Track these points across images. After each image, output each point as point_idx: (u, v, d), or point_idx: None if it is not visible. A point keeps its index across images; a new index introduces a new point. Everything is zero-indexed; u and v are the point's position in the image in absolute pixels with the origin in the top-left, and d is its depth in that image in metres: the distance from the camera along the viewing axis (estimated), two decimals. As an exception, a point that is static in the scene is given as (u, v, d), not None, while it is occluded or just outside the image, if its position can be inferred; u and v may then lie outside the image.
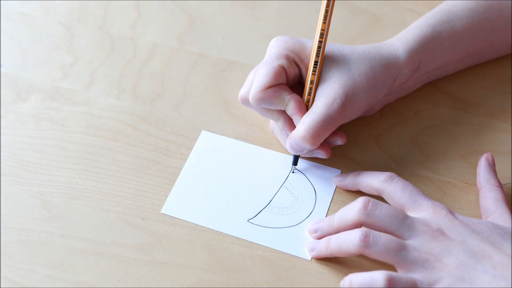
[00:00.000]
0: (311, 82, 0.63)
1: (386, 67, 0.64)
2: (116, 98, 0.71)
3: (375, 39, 0.75)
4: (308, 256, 0.60)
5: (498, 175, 0.65)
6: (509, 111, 0.70)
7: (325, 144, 0.64)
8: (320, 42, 0.62)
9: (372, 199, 0.57)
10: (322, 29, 0.62)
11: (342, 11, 0.79)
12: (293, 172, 0.65)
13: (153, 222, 0.62)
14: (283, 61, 0.63)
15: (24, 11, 0.79)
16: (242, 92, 0.64)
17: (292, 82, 0.65)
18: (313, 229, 0.61)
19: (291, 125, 0.64)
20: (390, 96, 0.68)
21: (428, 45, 0.66)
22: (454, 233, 0.55)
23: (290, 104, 0.62)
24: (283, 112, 0.64)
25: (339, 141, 0.65)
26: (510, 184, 0.65)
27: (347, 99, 0.61)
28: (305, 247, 0.60)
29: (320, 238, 0.60)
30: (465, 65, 0.71)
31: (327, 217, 0.61)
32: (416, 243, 0.55)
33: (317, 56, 0.62)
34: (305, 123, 0.61)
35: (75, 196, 0.64)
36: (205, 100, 0.71)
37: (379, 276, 0.54)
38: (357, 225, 0.58)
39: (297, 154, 0.65)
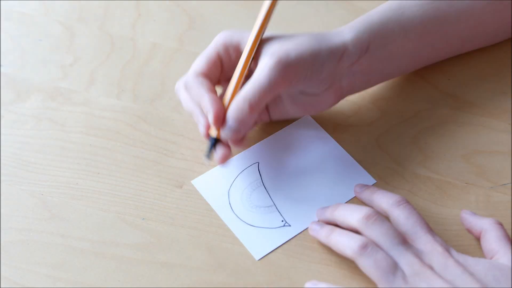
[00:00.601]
0: (241, 74, 0.61)
1: (330, 42, 0.62)
2: (116, 98, 0.71)
3: (375, 39, 0.75)
4: (256, 256, 0.60)
5: (498, 175, 0.65)
6: (509, 111, 0.70)
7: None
8: (258, 36, 0.61)
9: (378, 214, 0.58)
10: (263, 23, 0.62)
11: (342, 11, 0.79)
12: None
13: (153, 222, 0.62)
14: (220, 49, 0.63)
15: (24, 11, 0.79)
16: (178, 81, 0.64)
17: (230, 73, 0.63)
18: (321, 210, 0.62)
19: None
20: (341, 82, 0.65)
21: (376, 28, 0.64)
22: (444, 272, 0.55)
23: (205, 98, 0.60)
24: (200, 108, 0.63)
25: (265, 117, 0.65)
26: (510, 184, 0.65)
27: (288, 58, 0.60)
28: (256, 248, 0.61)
29: (319, 219, 0.62)
30: (421, 59, 0.70)
31: (334, 205, 0.61)
32: (405, 271, 0.55)
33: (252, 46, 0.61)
34: (244, 90, 0.60)
35: (75, 196, 0.64)
36: (205, 100, 0.71)
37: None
38: (355, 229, 0.58)
39: (233, 136, 0.61)
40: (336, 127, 0.69)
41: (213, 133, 0.61)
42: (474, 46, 0.72)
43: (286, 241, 0.61)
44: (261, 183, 0.65)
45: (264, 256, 0.60)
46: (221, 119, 0.60)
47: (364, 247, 0.56)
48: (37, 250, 0.61)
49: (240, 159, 0.66)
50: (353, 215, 0.58)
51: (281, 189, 0.64)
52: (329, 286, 0.57)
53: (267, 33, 0.63)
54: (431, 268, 0.55)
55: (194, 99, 0.63)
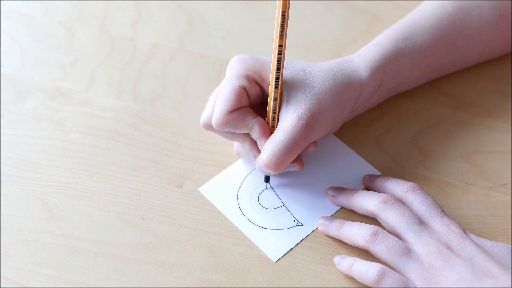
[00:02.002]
0: (275, 100, 0.60)
1: (349, 85, 0.62)
2: (116, 98, 0.71)
3: (375, 39, 0.75)
4: (273, 258, 0.60)
5: (498, 175, 0.65)
6: (509, 111, 0.70)
7: (298, 157, 0.62)
8: (279, 58, 0.58)
9: (394, 198, 0.59)
10: (280, 45, 0.58)
11: (342, 11, 0.79)
12: (266, 189, 0.64)
13: (153, 222, 0.62)
14: (244, 82, 0.60)
15: (24, 11, 0.79)
16: (204, 117, 0.61)
17: (255, 103, 0.62)
18: (333, 191, 0.63)
19: (258, 146, 0.62)
20: (351, 113, 0.67)
21: (390, 63, 0.65)
22: (462, 251, 0.56)
23: (255, 128, 0.59)
24: (248, 135, 0.61)
25: (311, 149, 0.63)
26: (510, 184, 0.65)
27: (312, 119, 0.59)
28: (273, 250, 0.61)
29: (334, 203, 0.63)
30: (424, 81, 0.70)
31: (348, 190, 0.63)
32: (420, 250, 0.56)
33: (277, 73, 0.59)
34: (268, 150, 0.59)
35: (75, 196, 0.64)
36: (205, 100, 0.71)
37: (373, 267, 0.56)
38: (370, 214, 0.60)
39: (268, 175, 0.64)
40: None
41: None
42: (478, 62, 0.72)
43: (301, 240, 0.61)
44: (269, 184, 0.65)
45: (281, 257, 0.61)
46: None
47: (375, 234, 0.57)
48: (37, 250, 0.61)
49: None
50: (370, 200, 0.60)
51: (288, 189, 0.64)
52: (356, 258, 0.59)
53: (287, 64, 0.62)
54: (448, 246, 0.56)
55: (239, 131, 0.61)
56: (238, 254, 0.61)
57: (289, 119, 0.59)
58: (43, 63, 0.74)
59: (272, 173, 0.60)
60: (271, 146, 0.59)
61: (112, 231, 0.62)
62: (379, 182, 0.63)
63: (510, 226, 0.62)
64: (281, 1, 0.56)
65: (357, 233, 0.58)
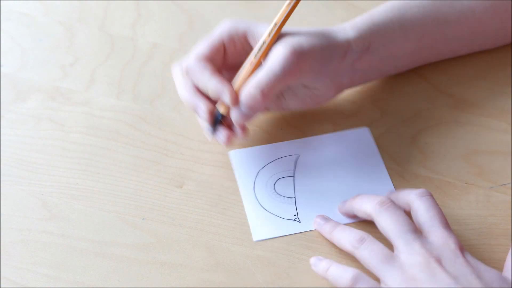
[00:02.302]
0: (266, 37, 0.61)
1: (336, 38, 0.64)
2: (116, 98, 0.71)
3: (375, 39, 0.75)
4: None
5: (498, 175, 0.65)
6: (509, 111, 0.70)
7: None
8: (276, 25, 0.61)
9: (392, 202, 0.58)
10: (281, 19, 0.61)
11: (342, 11, 0.79)
12: (273, 186, 0.65)
13: (153, 222, 0.62)
14: (224, 37, 0.63)
15: (24, 11, 0.79)
16: (176, 64, 0.64)
17: (231, 61, 0.64)
18: (342, 207, 0.63)
19: (208, 99, 0.62)
20: (343, 78, 0.66)
21: (378, 27, 0.65)
22: (451, 267, 0.53)
23: (213, 81, 0.61)
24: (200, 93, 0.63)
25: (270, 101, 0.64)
26: (510, 184, 0.65)
27: (302, 49, 0.60)
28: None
29: (341, 211, 0.62)
30: (421, 59, 0.70)
31: (350, 199, 0.62)
32: (406, 260, 0.54)
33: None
34: (257, 77, 0.60)
35: (75, 196, 0.64)
36: (205, 100, 0.71)
37: (348, 272, 0.56)
38: (368, 217, 0.59)
39: (241, 120, 0.61)
40: (336, 127, 0.69)
41: (221, 109, 0.62)
42: (474, 48, 0.72)
43: (289, 235, 0.62)
44: (293, 174, 0.65)
45: (261, 240, 0.61)
46: (236, 100, 0.60)
47: (361, 240, 0.56)
48: (37, 250, 0.61)
49: (283, 146, 0.67)
50: (368, 201, 0.59)
51: (308, 187, 0.64)
52: (331, 261, 0.58)
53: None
54: (438, 260, 0.53)
55: (196, 84, 0.62)
56: (238, 254, 0.61)
57: (278, 50, 0.60)
58: (43, 63, 0.74)
59: (258, 104, 0.60)
60: (261, 73, 0.60)
61: (112, 231, 0.62)
62: (395, 193, 0.61)
63: (510, 226, 0.62)
64: None
65: (346, 237, 0.58)
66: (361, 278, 0.55)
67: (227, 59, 0.64)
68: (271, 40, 0.61)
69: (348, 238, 0.57)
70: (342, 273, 0.56)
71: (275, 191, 0.64)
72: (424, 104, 0.70)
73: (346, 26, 0.65)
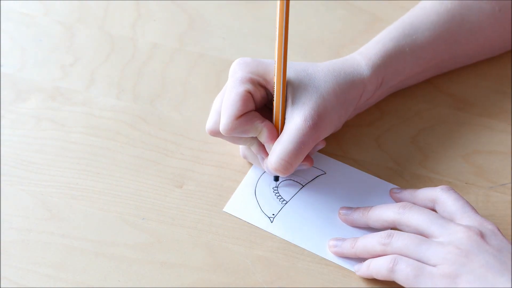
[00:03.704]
0: (278, 104, 0.60)
1: (352, 84, 0.62)
2: (116, 98, 0.71)
3: (375, 39, 0.75)
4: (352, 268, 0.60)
5: (498, 175, 0.65)
6: (509, 111, 0.70)
7: (307, 155, 0.62)
8: (280, 61, 0.58)
9: (412, 204, 0.58)
10: (282, 47, 0.58)
11: (342, 11, 0.79)
12: (276, 188, 0.64)
13: (153, 222, 0.62)
14: (248, 86, 0.59)
15: (24, 11, 0.79)
16: (209, 124, 0.61)
17: (259, 106, 0.62)
18: (346, 210, 0.62)
19: (265, 148, 0.62)
20: (353, 111, 0.66)
21: (391, 60, 0.65)
22: (493, 241, 0.54)
23: (264, 132, 0.59)
24: (256, 138, 0.61)
25: (319, 146, 0.63)
26: (510, 184, 0.65)
27: (319, 119, 0.59)
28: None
29: (347, 221, 0.61)
30: (425, 77, 0.70)
31: (361, 208, 0.61)
32: (444, 239, 0.54)
33: (279, 75, 0.59)
34: (276, 153, 0.59)
35: (75, 196, 0.64)
36: (205, 100, 0.71)
37: (387, 257, 0.55)
38: (390, 223, 0.58)
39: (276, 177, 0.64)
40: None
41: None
42: (479, 60, 0.72)
43: (253, 225, 0.62)
44: (304, 183, 0.64)
45: (227, 212, 0.62)
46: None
47: (389, 235, 0.56)
48: (37, 250, 0.61)
49: (316, 157, 0.66)
50: (388, 209, 0.58)
51: (306, 202, 0.64)
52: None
53: (289, 66, 0.61)
54: (480, 234, 0.53)
55: (247, 136, 0.61)
56: (238, 254, 0.61)
57: (295, 121, 0.59)
58: (43, 63, 0.74)
59: (282, 175, 0.60)
60: (279, 149, 0.59)
61: (112, 231, 0.62)
62: (409, 192, 0.62)
63: (510, 226, 0.62)
64: (281, 1, 0.56)
65: (372, 240, 0.57)
66: (400, 259, 0.55)
67: (256, 103, 0.61)
68: (277, 79, 0.59)
69: (376, 238, 0.57)
70: (382, 261, 0.56)
71: (276, 187, 0.64)
72: (424, 104, 0.70)
73: (360, 60, 0.64)
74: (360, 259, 0.59)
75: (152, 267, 0.60)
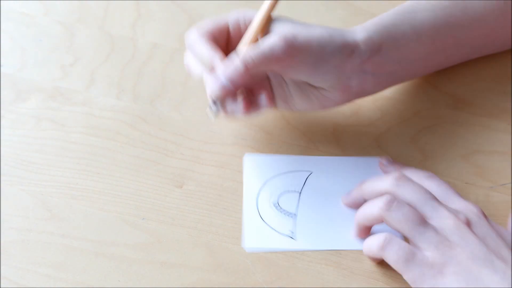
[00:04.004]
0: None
1: (341, 36, 0.61)
2: (116, 98, 0.71)
3: (375, 39, 0.75)
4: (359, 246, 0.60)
5: (498, 175, 0.65)
6: (509, 111, 0.70)
7: (247, 99, 0.62)
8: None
9: (405, 175, 0.59)
10: None
11: (342, 11, 0.79)
12: (277, 204, 0.63)
13: (153, 222, 0.62)
14: (230, 20, 0.62)
15: (24, 11, 0.79)
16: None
17: (235, 46, 0.63)
18: (344, 195, 0.63)
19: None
20: (352, 79, 0.63)
21: (388, 29, 0.64)
22: (478, 229, 0.56)
23: (205, 48, 0.61)
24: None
25: (266, 102, 0.62)
26: (510, 184, 0.65)
27: (294, 40, 0.59)
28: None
29: (348, 203, 0.63)
30: (431, 64, 0.69)
31: (358, 184, 0.63)
32: (436, 224, 0.56)
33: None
34: (244, 52, 0.59)
35: (75, 196, 0.64)
36: (205, 100, 0.71)
37: (380, 235, 0.57)
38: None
39: (222, 92, 0.60)
40: (336, 127, 0.69)
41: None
42: (483, 53, 0.72)
43: (279, 251, 0.61)
44: (300, 190, 0.64)
45: (252, 251, 0.60)
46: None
47: (390, 201, 0.57)
48: (37, 250, 0.61)
49: (298, 160, 0.66)
50: (382, 181, 0.60)
51: (312, 207, 0.63)
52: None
53: (280, 15, 0.62)
54: (468, 222, 0.56)
55: (194, 56, 0.62)
56: (238, 254, 0.61)
57: (270, 37, 0.59)
58: (43, 63, 0.74)
59: (239, 77, 0.59)
60: (252, 50, 0.59)
61: (112, 231, 0.62)
62: (398, 167, 0.64)
63: (510, 226, 0.62)
64: None
65: (372, 206, 0.58)
66: (392, 239, 0.56)
67: (230, 44, 0.63)
68: (262, 19, 0.61)
69: (376, 203, 0.58)
70: (374, 238, 0.57)
71: (278, 204, 0.63)
72: (424, 104, 0.70)
73: (356, 27, 0.64)
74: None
75: (152, 267, 0.60)
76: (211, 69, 0.61)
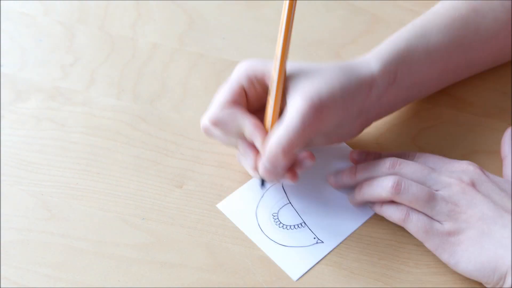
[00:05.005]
0: (273, 91, 0.59)
1: (359, 75, 0.60)
2: (116, 98, 0.71)
3: (375, 39, 0.75)
4: (294, 275, 0.60)
5: (497, 175, 0.65)
6: (509, 111, 0.70)
7: (292, 168, 0.60)
8: (281, 52, 0.58)
9: (400, 159, 0.61)
10: (286, 27, 0.58)
11: (342, 11, 0.79)
12: (276, 215, 0.63)
13: (153, 222, 0.62)
14: (243, 81, 0.59)
15: (24, 11, 0.79)
16: (202, 119, 0.61)
17: (254, 105, 0.61)
18: (333, 179, 0.64)
19: (254, 147, 0.60)
20: (369, 114, 0.63)
21: (403, 57, 0.63)
22: (482, 187, 0.58)
23: (246, 125, 0.58)
24: (244, 138, 0.60)
25: (308, 161, 0.60)
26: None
27: (321, 101, 0.57)
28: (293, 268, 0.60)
29: (339, 186, 0.64)
30: (442, 84, 0.69)
31: (347, 169, 0.63)
32: (444, 194, 0.58)
33: (278, 60, 0.58)
34: (277, 133, 0.57)
35: (75, 196, 0.64)
36: (205, 100, 0.71)
37: (400, 208, 0.59)
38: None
39: (270, 177, 0.60)
40: (336, 127, 0.69)
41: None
42: (494, 65, 0.72)
43: (322, 259, 0.61)
44: (288, 201, 0.64)
45: (301, 276, 0.60)
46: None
47: (398, 184, 0.58)
48: (37, 250, 0.61)
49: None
50: (378, 167, 0.61)
51: (308, 206, 0.63)
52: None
53: (291, 63, 0.60)
54: (472, 183, 0.58)
55: (227, 133, 0.60)
56: (238, 254, 0.61)
57: (297, 103, 0.57)
58: (43, 63, 0.74)
59: (281, 162, 0.57)
60: (280, 129, 0.57)
61: (112, 231, 0.62)
62: (373, 156, 0.64)
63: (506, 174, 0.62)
64: (288, 1, 0.57)
65: (378, 187, 0.59)
66: (412, 213, 0.59)
67: (250, 103, 0.61)
68: (278, 76, 0.58)
69: (382, 186, 0.59)
70: (395, 209, 0.60)
71: (283, 224, 0.62)
72: (424, 104, 0.70)
73: (370, 57, 0.63)
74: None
75: (152, 267, 0.60)
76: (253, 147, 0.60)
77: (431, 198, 0.58)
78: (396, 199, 0.59)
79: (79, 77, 0.73)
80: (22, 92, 0.72)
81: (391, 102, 0.65)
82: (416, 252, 0.60)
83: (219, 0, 0.80)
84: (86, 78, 0.73)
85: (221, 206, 0.63)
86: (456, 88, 0.71)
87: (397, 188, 0.58)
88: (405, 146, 0.67)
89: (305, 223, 0.62)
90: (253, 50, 0.75)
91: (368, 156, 0.64)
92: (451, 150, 0.67)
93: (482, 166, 0.66)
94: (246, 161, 0.61)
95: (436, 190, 0.59)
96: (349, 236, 0.62)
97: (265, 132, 0.59)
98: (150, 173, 0.66)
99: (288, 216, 0.63)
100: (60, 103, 0.71)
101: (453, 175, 0.59)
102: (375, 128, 0.69)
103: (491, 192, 0.58)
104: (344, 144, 0.67)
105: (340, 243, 0.61)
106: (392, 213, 0.60)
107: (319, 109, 0.57)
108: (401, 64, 0.63)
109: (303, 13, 0.78)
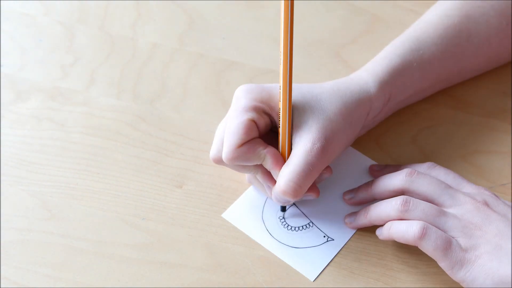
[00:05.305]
0: (284, 129, 0.58)
1: (358, 102, 0.62)
2: (116, 98, 0.71)
3: (375, 39, 0.75)
4: (311, 276, 0.60)
5: (497, 175, 0.65)
6: (509, 111, 0.70)
7: (313, 185, 0.61)
8: (285, 87, 0.57)
9: (416, 170, 0.60)
10: (284, 76, 0.57)
11: (342, 11, 0.79)
12: (282, 218, 0.63)
13: (153, 222, 0.62)
14: (252, 114, 0.58)
15: (24, 11, 0.79)
16: (213, 152, 0.60)
17: (264, 132, 0.60)
18: (349, 193, 0.63)
19: (271, 176, 0.60)
20: (362, 130, 0.66)
21: (398, 76, 0.64)
22: (496, 207, 0.57)
23: (267, 159, 0.58)
24: (261, 165, 0.60)
25: (326, 175, 0.61)
26: (510, 184, 0.65)
27: (326, 142, 0.58)
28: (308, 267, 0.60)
29: (355, 203, 0.63)
30: (433, 91, 0.70)
31: (363, 185, 0.63)
32: (457, 212, 0.57)
33: (285, 100, 0.58)
34: (285, 176, 0.57)
35: (75, 196, 0.64)
36: (205, 100, 0.71)
37: (414, 224, 0.56)
38: (398, 192, 0.60)
39: (284, 205, 0.63)
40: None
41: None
42: (486, 70, 0.72)
43: (335, 255, 0.61)
44: (292, 202, 0.64)
45: (318, 275, 0.60)
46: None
47: (406, 202, 0.58)
48: (37, 250, 0.61)
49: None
50: (394, 179, 0.60)
51: (312, 205, 0.63)
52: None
53: (293, 90, 0.60)
54: (486, 203, 0.57)
55: (251, 164, 0.59)
56: (238, 254, 0.61)
57: (303, 144, 0.58)
58: (43, 63, 0.74)
59: (290, 200, 0.59)
60: (287, 173, 0.57)
61: (112, 231, 0.62)
62: (392, 169, 0.63)
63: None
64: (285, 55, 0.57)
65: (387, 207, 0.58)
66: (429, 229, 0.56)
67: (260, 130, 0.60)
68: (283, 104, 0.58)
69: (391, 205, 0.58)
70: (408, 227, 0.57)
71: (291, 226, 0.63)
72: (424, 104, 0.70)
73: (367, 78, 0.63)
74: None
75: (152, 267, 0.60)
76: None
77: (441, 213, 0.57)
78: (406, 216, 0.58)
79: (79, 77, 0.73)
80: (22, 92, 0.72)
81: (383, 117, 0.67)
82: (416, 252, 0.60)
83: (219, 0, 0.80)
84: (86, 78, 0.73)
85: (226, 215, 0.63)
86: (456, 88, 0.71)
87: (406, 205, 0.57)
88: (405, 146, 0.67)
89: (312, 222, 0.62)
90: (253, 50, 0.75)
91: (387, 168, 0.64)
92: (451, 150, 0.67)
93: (482, 166, 0.66)
94: (263, 188, 0.62)
95: (447, 207, 0.58)
96: (349, 236, 0.62)
97: (283, 164, 0.59)
98: (150, 173, 0.66)
99: (295, 218, 0.63)
100: (60, 103, 0.71)
101: (467, 195, 0.58)
102: (375, 128, 0.69)
103: (506, 212, 0.57)
104: (357, 153, 0.67)
105: (351, 237, 0.61)
106: (406, 230, 0.57)
107: (325, 149, 0.58)
108: (395, 83, 0.64)
109: (303, 13, 0.78)
